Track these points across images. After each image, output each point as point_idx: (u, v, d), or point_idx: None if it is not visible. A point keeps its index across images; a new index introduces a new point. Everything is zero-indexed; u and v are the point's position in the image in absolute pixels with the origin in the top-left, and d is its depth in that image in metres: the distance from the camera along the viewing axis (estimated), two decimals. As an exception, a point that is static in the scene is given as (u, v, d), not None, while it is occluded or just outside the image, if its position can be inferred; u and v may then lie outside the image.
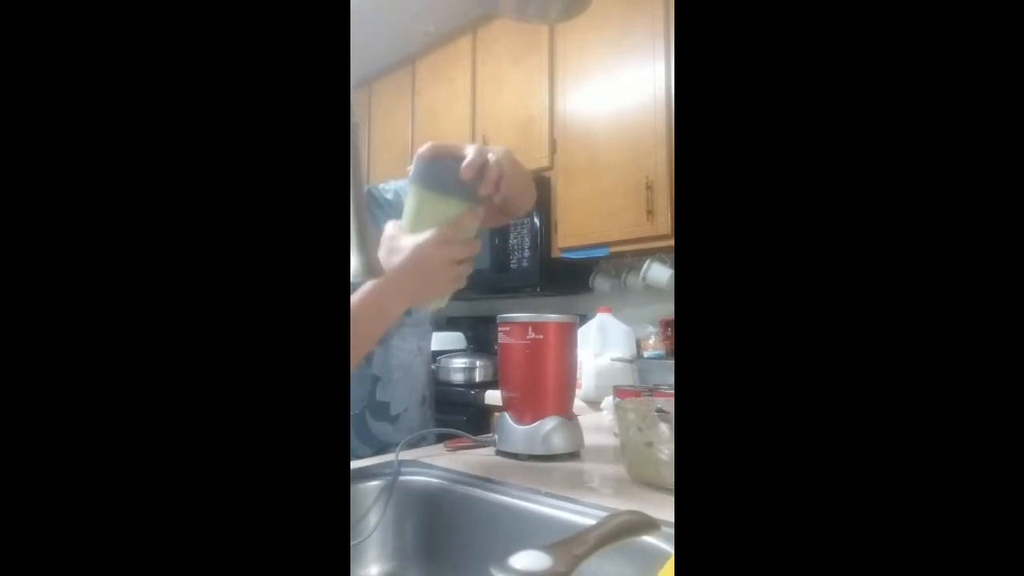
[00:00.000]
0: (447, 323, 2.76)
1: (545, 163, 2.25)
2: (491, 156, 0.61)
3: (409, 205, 0.62)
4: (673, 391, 0.81)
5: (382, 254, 0.61)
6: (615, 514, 0.40)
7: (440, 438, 0.78)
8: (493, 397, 2.02)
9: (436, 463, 0.67)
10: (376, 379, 0.84)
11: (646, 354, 2.03)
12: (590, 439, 0.77)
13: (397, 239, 0.61)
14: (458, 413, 2.04)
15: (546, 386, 0.72)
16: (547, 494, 0.54)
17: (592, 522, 0.39)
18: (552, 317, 0.73)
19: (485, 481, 0.60)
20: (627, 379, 1.04)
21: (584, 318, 1.66)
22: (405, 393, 0.87)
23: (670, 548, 0.42)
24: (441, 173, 0.60)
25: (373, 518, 0.62)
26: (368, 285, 0.61)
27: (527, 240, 2.24)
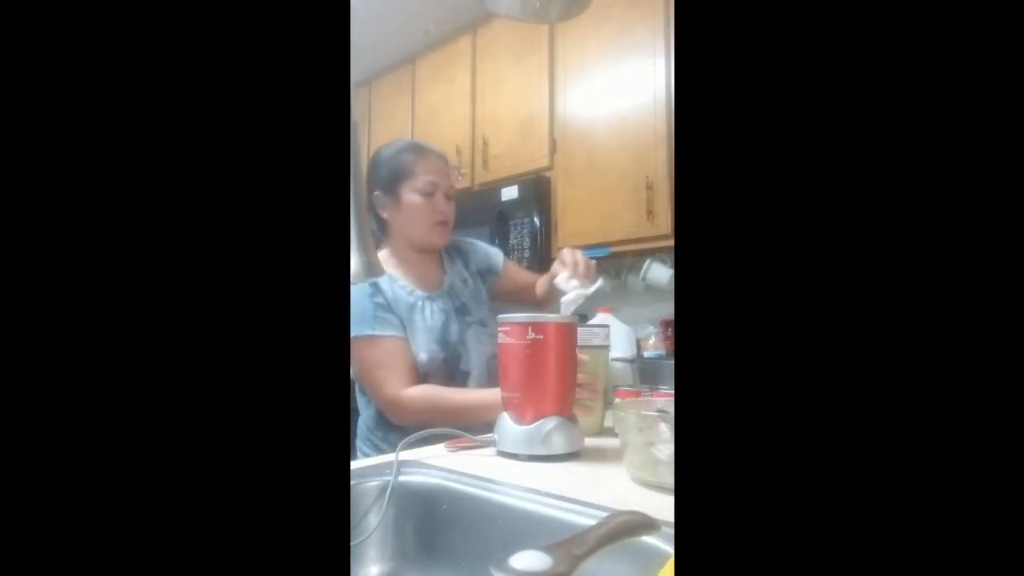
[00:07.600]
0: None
1: (545, 163, 2.25)
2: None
3: None
4: (673, 391, 0.81)
5: None
6: (615, 514, 0.40)
7: (440, 438, 0.78)
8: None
9: (436, 463, 0.67)
10: (467, 375, 1.06)
11: (646, 354, 2.03)
12: (590, 439, 0.77)
13: None
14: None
15: (546, 386, 0.72)
16: (547, 494, 0.54)
17: (592, 522, 0.39)
18: (552, 317, 0.73)
19: (485, 481, 0.60)
20: (627, 379, 1.04)
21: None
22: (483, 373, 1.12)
23: (670, 548, 0.42)
24: None
25: (373, 518, 0.62)
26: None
27: (527, 240, 2.23)
